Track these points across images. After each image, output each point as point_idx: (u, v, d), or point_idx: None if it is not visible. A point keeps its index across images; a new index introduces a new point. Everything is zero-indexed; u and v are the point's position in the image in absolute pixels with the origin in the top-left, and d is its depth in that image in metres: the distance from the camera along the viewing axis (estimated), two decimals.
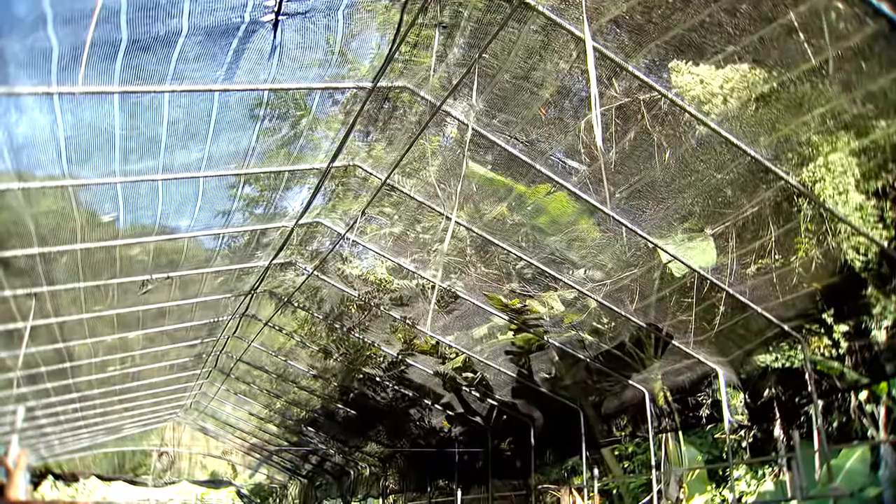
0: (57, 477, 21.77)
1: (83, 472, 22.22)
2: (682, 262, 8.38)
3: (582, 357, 10.38)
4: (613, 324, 9.74)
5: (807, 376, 8.75)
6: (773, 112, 6.79)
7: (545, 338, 10.35)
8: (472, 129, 7.06)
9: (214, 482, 24.60)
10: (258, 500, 25.27)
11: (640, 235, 7.94)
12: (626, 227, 7.85)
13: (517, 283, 9.62)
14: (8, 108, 5.85)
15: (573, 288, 9.23)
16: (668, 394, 10.36)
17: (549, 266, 9.11)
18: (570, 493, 9.70)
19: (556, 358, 10.78)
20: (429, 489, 15.65)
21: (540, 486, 12.79)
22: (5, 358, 10.18)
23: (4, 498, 6.10)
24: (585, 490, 11.07)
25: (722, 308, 8.89)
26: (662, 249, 8.20)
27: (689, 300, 9.07)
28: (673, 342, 9.43)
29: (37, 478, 21.13)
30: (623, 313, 9.31)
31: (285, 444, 20.67)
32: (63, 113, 5.95)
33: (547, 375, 11.36)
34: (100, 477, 22.81)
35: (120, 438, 21.73)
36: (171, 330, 12.45)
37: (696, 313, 9.12)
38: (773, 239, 8.12)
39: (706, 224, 8.13)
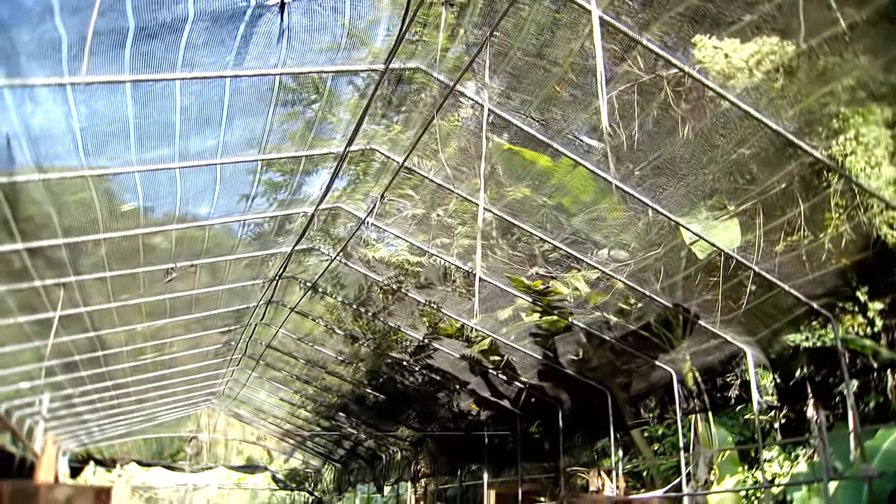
0: (98, 462, 22.31)
1: (123, 457, 22.73)
2: (707, 241, 8.20)
3: (608, 338, 10.26)
4: (638, 304, 9.59)
5: (839, 355, 8.53)
6: (800, 84, 6.58)
7: (569, 319, 10.24)
8: (487, 108, 6.97)
9: (250, 467, 24.98)
10: (294, 485, 25.61)
11: (662, 213, 7.78)
12: (647, 205, 7.70)
13: (539, 265, 9.52)
14: (23, 99, 5.90)
15: (596, 268, 9.10)
16: (696, 374, 10.20)
17: (572, 246, 8.99)
18: (599, 475, 9.59)
19: (582, 340, 10.67)
20: (459, 472, 15.68)
21: (569, 469, 12.71)
22: (39, 347, 10.39)
23: (33, 479, 6.25)
24: (614, 472, 10.98)
25: (749, 286, 8.70)
26: (686, 228, 8.03)
27: (715, 279, 8.89)
28: (699, 322, 9.26)
29: (79, 463, 21.69)
30: (648, 293, 9.17)
31: (318, 429, 20.87)
32: (77, 103, 5.99)
33: (573, 357, 11.26)
34: (139, 462, 23.32)
35: (157, 425, 22.17)
36: (199, 318, 12.61)
37: (722, 292, 8.94)
38: (801, 215, 7.90)
39: (731, 201, 7.94)
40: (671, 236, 8.58)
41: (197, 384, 18.29)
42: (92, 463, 22.16)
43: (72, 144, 6.45)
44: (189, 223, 8.71)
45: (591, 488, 10.20)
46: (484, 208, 8.89)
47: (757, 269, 8.25)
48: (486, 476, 12.77)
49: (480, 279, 10.31)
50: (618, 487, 12.11)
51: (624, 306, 9.69)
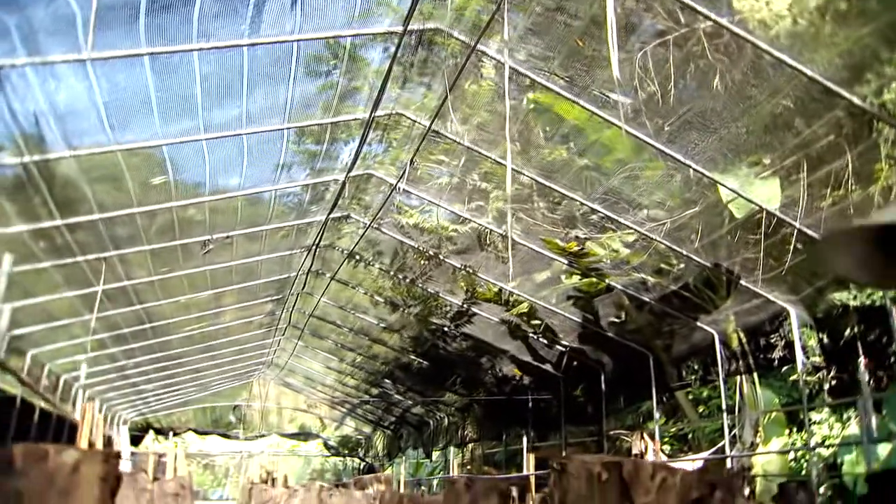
0: (157, 431, 23.11)
1: (180, 426, 23.48)
2: (744, 198, 7.91)
3: (647, 300, 10.06)
4: (677, 264, 9.35)
5: (889, 314, 8.19)
6: (846, 29, 6.23)
7: (607, 281, 10.07)
8: (510, 67, 6.79)
9: (303, 434, 25.54)
10: (346, 451, 26.13)
11: (698, 171, 7.52)
12: (680, 162, 7.45)
13: (574, 226, 9.35)
14: (45, 77, 5.97)
15: (631, 228, 8.89)
16: (739, 335, 9.94)
17: (606, 206, 8.79)
18: (642, 438, 9.47)
19: (621, 301, 10.50)
20: (504, 437, 15.74)
21: (612, 432, 12.62)
22: (86, 320, 10.69)
23: (75, 446, 6.42)
24: (657, 435, 10.84)
25: (792, 244, 8.38)
26: (722, 184, 7.76)
27: (756, 237, 8.59)
28: (740, 281, 8.99)
29: (139, 432, 22.51)
30: (686, 253, 8.93)
31: (366, 396, 21.17)
32: (98, 78, 6.05)
33: (613, 320, 11.09)
34: (195, 431, 24.07)
35: (212, 394, 22.78)
36: (241, 288, 12.80)
37: (764, 250, 8.64)
38: (848, 168, 7.54)
39: (770, 155, 7.62)
40: (708, 194, 8.31)
41: (246, 354, 18.69)
42: (151, 432, 22.96)
43: (97, 120, 6.53)
44: (220, 195, 8.79)
45: (634, 451, 10.07)
46: (515, 170, 8.75)
47: (800, 225, 7.93)
48: (525, 440, 12.76)
49: (515, 242, 10.20)
50: (661, 451, 12.00)
51: (662, 266, 9.47)
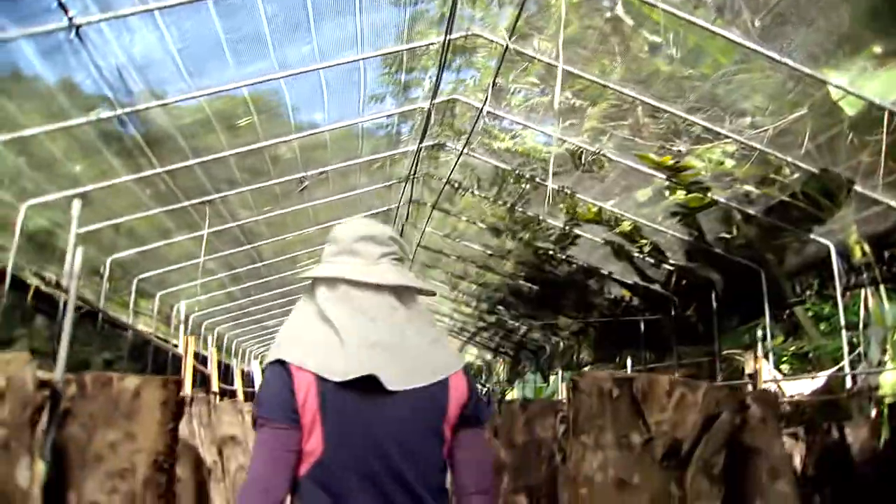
0: None
1: None
2: (854, 95, 7.17)
3: (753, 212, 9.46)
4: (783, 172, 8.70)
5: None
6: None
7: (708, 195, 9.54)
8: None
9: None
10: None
11: (797, 69, 6.86)
12: (778, 62, 6.82)
13: (668, 139, 8.87)
14: (120, 31, 6.21)
15: (730, 138, 8.32)
16: (863, 246, 9.19)
17: (701, 116, 8.25)
18: (755, 358, 9.06)
19: (726, 215, 9.94)
20: (617, 359, 15.56)
21: (725, 352, 12.17)
22: (202, 261, 11.33)
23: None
24: (770, 354, 10.35)
25: None
26: (826, 82, 7.06)
27: (876, 136, 7.81)
28: (857, 188, 8.25)
29: None
30: (792, 160, 8.27)
31: (482, 324, 21.47)
32: (167, 26, 6.22)
33: (721, 235, 10.54)
34: None
35: None
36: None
37: (884, 152, 7.86)
38: None
39: (883, 43, 6.84)
40: (813, 92, 7.59)
41: None
42: None
43: (174, 68, 6.76)
44: (306, 131, 8.96)
45: (748, 371, 9.67)
46: (598, 83, 8.36)
47: None
48: (629, 362, 12.55)
49: (610, 159, 9.85)
50: (779, 370, 11.49)
51: (767, 176, 8.83)
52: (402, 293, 2.25)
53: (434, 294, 2.80)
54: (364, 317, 2.14)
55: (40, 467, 2.95)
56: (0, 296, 7.71)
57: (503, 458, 3.85)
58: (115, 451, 3.19)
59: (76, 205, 4.27)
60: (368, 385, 2.02)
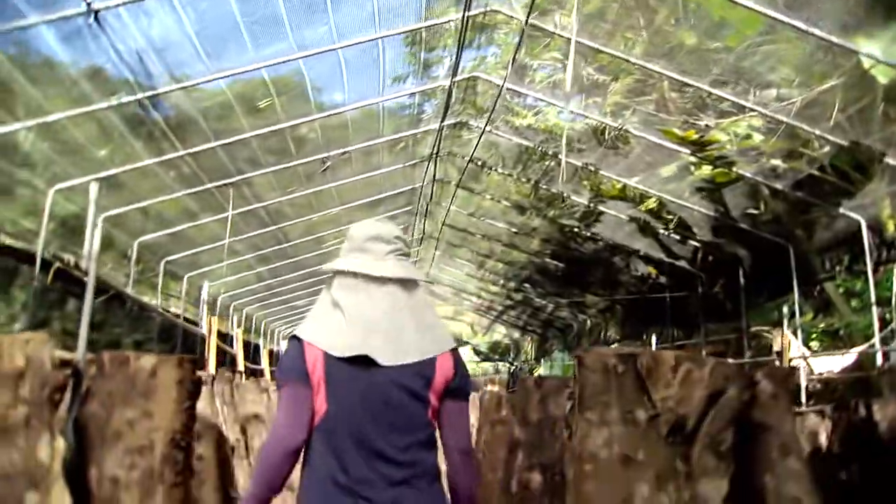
0: None
1: None
2: (886, 63, 6.97)
3: (780, 187, 9.29)
4: (811, 146, 8.51)
5: None
6: None
7: (734, 169, 9.38)
8: None
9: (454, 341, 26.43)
10: (496, 357, 26.89)
11: (824, 38, 6.69)
12: (806, 31, 6.64)
13: (692, 113, 8.73)
14: (137, 14, 6.25)
15: (755, 111, 8.16)
16: (892, 220, 9.00)
17: (725, 89, 8.10)
18: (784, 334, 8.95)
19: (753, 190, 9.77)
20: (644, 336, 15.47)
21: (753, 329, 12.03)
22: (229, 243, 11.45)
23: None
24: (799, 331, 10.22)
25: None
26: (856, 51, 6.86)
27: None
28: (888, 160, 8.05)
29: None
30: (820, 133, 8.09)
31: (510, 302, 21.47)
32: (184, 8, 6.25)
33: (748, 210, 10.38)
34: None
35: None
36: (371, 202, 13.16)
37: None
38: None
39: None
40: (843, 62, 7.39)
41: None
42: None
43: (192, 50, 6.79)
44: (327, 111, 8.97)
45: (775, 348, 9.55)
46: (620, 56, 8.23)
47: None
48: (653, 338, 12.46)
49: (634, 134, 9.72)
50: (808, 347, 11.34)
51: (794, 149, 8.65)
52: (405, 284, 2.68)
53: (432, 283, 3.42)
54: (369, 304, 2.60)
55: (61, 444, 3.03)
56: (31, 279, 7.87)
57: (517, 436, 3.86)
58: (134, 429, 3.25)
59: (93, 188, 4.34)
60: (366, 360, 2.50)
